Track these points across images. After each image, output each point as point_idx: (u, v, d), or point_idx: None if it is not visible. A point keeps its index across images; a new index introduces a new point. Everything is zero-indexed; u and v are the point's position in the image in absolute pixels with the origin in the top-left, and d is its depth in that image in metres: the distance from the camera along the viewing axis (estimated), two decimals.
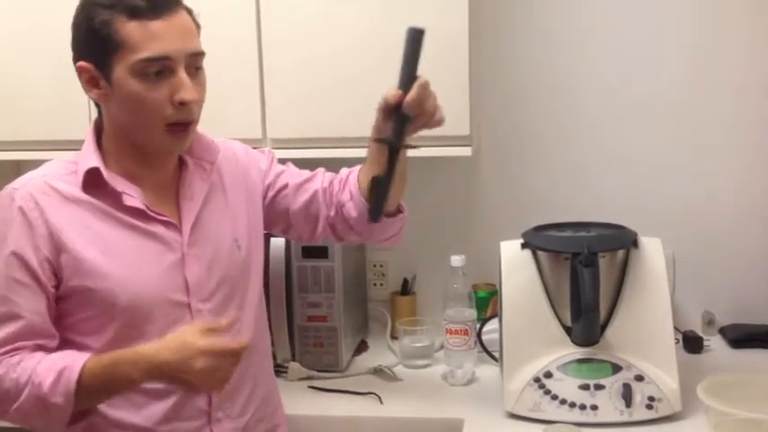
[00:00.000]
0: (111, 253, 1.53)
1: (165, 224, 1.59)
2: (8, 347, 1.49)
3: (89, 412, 1.53)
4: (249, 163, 1.78)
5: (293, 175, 1.81)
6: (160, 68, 1.48)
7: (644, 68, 2.35)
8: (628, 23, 2.35)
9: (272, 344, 2.15)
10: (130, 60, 1.48)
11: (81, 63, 1.53)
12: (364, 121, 2.11)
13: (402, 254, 2.52)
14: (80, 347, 1.54)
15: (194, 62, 1.53)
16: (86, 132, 1.62)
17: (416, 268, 2.51)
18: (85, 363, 1.46)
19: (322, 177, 1.82)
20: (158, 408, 1.58)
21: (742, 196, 2.36)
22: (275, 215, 1.80)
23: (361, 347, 2.38)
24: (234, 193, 1.72)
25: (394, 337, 2.39)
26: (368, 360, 2.29)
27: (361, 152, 2.12)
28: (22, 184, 1.55)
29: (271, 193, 1.78)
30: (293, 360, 2.19)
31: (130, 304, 1.53)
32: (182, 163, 1.66)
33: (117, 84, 1.50)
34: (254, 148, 2.09)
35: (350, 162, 2.31)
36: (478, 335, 2.22)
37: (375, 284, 2.55)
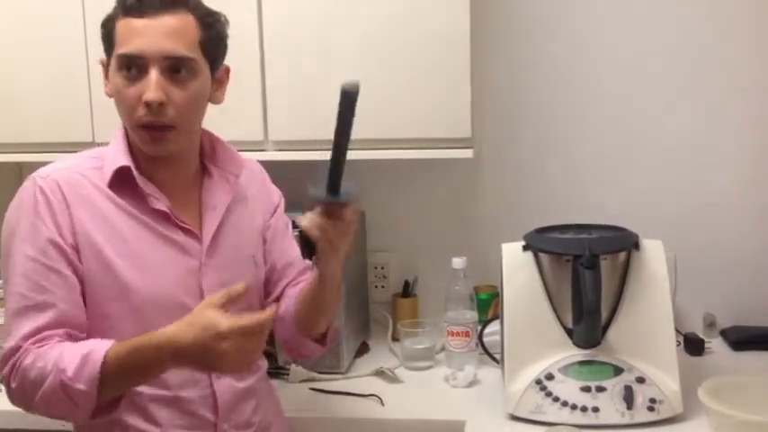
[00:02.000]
0: (130, 253, 1.55)
1: (186, 232, 1.60)
2: (38, 336, 1.47)
3: (113, 407, 1.48)
4: (267, 189, 1.81)
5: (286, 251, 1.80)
6: (134, 66, 1.51)
7: (646, 71, 2.35)
8: (630, 26, 2.35)
9: (274, 345, 2.15)
10: (114, 56, 1.53)
11: (101, 59, 1.59)
12: (366, 124, 2.12)
13: (403, 256, 2.52)
14: None
15: (174, 65, 1.52)
16: (117, 133, 1.63)
17: (418, 270, 2.51)
18: (110, 348, 1.43)
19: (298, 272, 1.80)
20: (162, 415, 1.58)
21: (744, 199, 2.36)
22: None
23: (363, 349, 2.38)
24: (255, 211, 1.74)
25: (395, 339, 2.39)
26: (369, 362, 2.29)
27: (364, 154, 2.14)
28: (48, 173, 1.56)
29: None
30: (295, 362, 2.18)
31: (144, 306, 1.54)
32: (205, 171, 1.68)
33: (110, 76, 1.56)
34: (256, 150, 2.11)
35: (352, 163, 2.32)
36: (480, 337, 2.22)
37: (376, 286, 2.55)
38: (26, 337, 1.47)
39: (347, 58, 2.11)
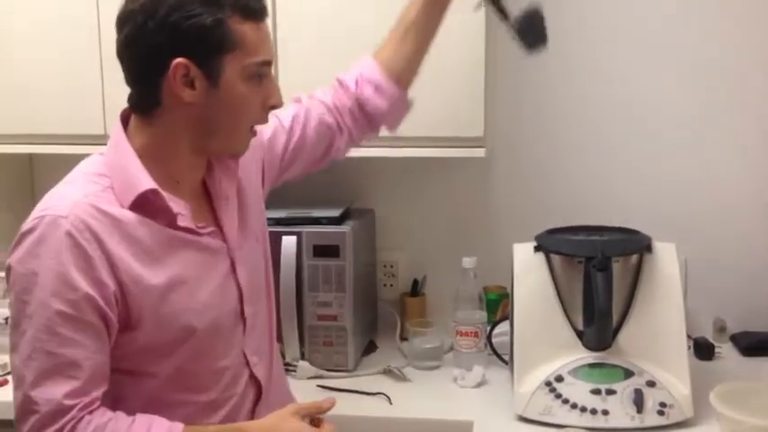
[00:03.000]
0: (174, 275, 1.47)
1: (211, 234, 1.56)
2: (86, 400, 1.38)
3: None
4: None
5: (287, 121, 1.83)
6: (265, 72, 1.50)
7: (659, 72, 2.34)
8: (643, 29, 2.34)
9: (282, 342, 2.15)
10: (244, 62, 1.45)
11: (181, 60, 1.41)
12: None
13: (413, 254, 2.51)
14: (142, 377, 1.49)
15: None
16: (117, 141, 1.51)
17: (427, 269, 2.50)
18: None
19: (318, 101, 1.86)
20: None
21: (756, 203, 2.35)
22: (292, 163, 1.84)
23: (370, 348, 2.37)
24: (249, 189, 1.70)
25: (403, 338, 2.38)
26: (377, 360, 2.28)
27: (375, 152, 2.14)
28: (69, 211, 1.40)
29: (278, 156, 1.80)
30: (302, 359, 2.18)
31: (206, 324, 1.50)
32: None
33: (225, 85, 1.45)
34: None
35: (363, 160, 2.32)
36: (489, 337, 2.21)
37: (385, 285, 2.54)
38: (69, 398, 1.37)
39: (360, 54, 2.10)
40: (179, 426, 1.42)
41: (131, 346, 1.46)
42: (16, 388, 1.40)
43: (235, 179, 1.64)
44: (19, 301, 1.40)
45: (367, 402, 2.02)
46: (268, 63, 1.51)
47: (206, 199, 1.60)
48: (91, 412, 1.39)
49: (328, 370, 2.17)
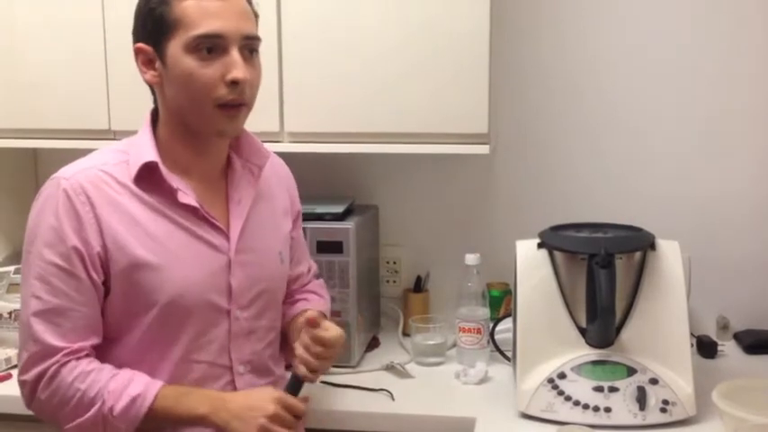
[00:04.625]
0: (159, 251, 1.53)
1: (215, 228, 1.59)
2: (73, 347, 1.49)
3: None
4: (292, 194, 1.82)
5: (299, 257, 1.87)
6: (213, 46, 1.49)
7: (665, 70, 2.34)
8: (647, 24, 2.34)
9: None
10: (184, 37, 1.49)
11: (138, 45, 1.55)
12: (382, 117, 2.12)
13: (416, 251, 2.51)
14: (111, 342, 1.55)
15: (249, 45, 1.54)
16: (145, 124, 1.61)
17: (430, 265, 2.50)
18: (158, 392, 1.47)
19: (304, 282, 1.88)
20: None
21: (760, 202, 2.35)
22: None
23: (373, 344, 2.37)
24: (279, 206, 1.74)
25: (406, 334, 2.38)
26: (379, 356, 2.28)
27: (379, 148, 2.14)
28: (73, 174, 1.53)
29: None
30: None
31: (172, 303, 1.53)
32: (229, 163, 1.66)
33: (171, 62, 1.51)
34: (272, 141, 2.10)
35: (367, 157, 2.33)
36: (491, 334, 2.22)
37: (388, 281, 2.54)
38: (55, 344, 1.48)
39: (364, 50, 2.11)
40: (157, 383, 1.49)
41: (106, 313, 1.54)
42: (20, 330, 1.54)
43: (254, 186, 1.67)
44: (24, 253, 1.54)
45: (370, 398, 2.02)
46: (214, 36, 1.49)
47: (224, 199, 1.64)
48: (78, 359, 1.49)
49: (331, 365, 2.17)
